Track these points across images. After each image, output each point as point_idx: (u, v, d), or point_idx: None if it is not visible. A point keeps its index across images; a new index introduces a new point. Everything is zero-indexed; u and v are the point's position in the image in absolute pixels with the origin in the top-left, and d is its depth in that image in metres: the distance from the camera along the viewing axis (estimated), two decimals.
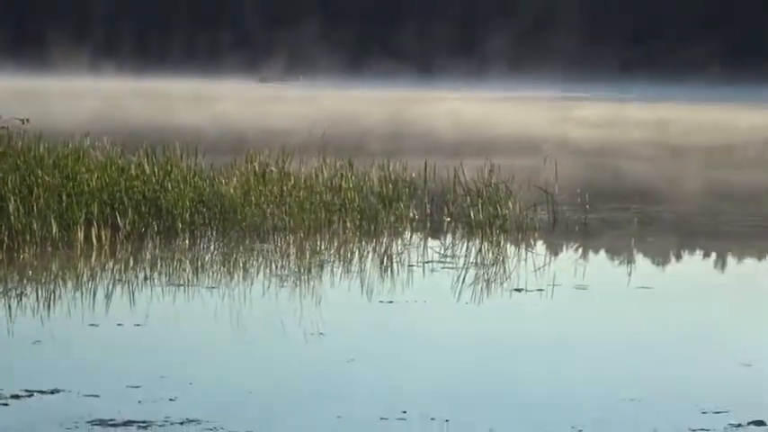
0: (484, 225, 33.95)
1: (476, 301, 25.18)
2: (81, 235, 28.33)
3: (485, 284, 26.68)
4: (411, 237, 32.33)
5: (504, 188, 36.61)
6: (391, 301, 24.95)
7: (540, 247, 32.60)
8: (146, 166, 33.29)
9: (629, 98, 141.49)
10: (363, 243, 31.04)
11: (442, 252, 30.35)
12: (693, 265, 33.90)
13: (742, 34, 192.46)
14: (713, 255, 34.33)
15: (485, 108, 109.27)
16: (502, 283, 26.95)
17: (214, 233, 30.68)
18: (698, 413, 15.82)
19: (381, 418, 15.34)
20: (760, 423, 15.20)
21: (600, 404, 17.00)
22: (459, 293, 25.76)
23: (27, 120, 34.31)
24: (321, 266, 27.98)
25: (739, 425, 15.23)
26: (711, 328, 24.35)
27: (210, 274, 27.11)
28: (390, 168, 38.34)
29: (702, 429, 15.01)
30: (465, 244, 31.57)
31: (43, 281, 25.25)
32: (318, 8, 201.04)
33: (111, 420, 14.39)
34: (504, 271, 28.67)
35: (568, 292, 27.11)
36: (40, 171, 30.65)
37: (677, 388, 17.91)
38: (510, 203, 35.83)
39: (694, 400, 16.64)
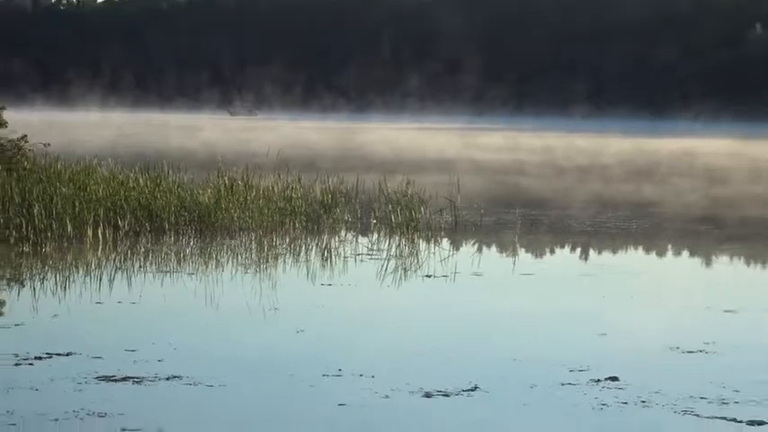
0: (402, 226, 34.04)
1: (396, 284, 25.65)
2: (90, 233, 28.46)
3: (402, 271, 27.13)
4: (345, 235, 32.43)
5: (417, 198, 36.71)
6: (330, 284, 25.20)
7: (445, 242, 32.59)
8: (140, 180, 33.36)
9: (522, 128, 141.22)
10: (308, 239, 31.16)
11: (370, 247, 30.78)
12: (565, 257, 34.23)
13: (609, 78, 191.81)
14: (580, 249, 34.86)
15: (408, 135, 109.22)
16: (415, 271, 27.33)
17: (193, 232, 30.68)
18: (566, 371, 16.40)
19: (323, 375, 15.93)
20: (614, 378, 15.91)
21: (490, 363, 17.41)
22: (383, 278, 26.21)
23: (48, 144, 34.17)
24: (276, 257, 28.34)
25: (598, 380, 15.93)
26: (577, 305, 24.60)
27: (190, 263, 27.14)
28: (330, 182, 38.61)
29: (569, 383, 15.69)
30: (387, 240, 31.73)
31: (60, 268, 25.37)
32: (276, 57, 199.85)
33: (113, 376, 15.03)
34: (417, 261, 29.04)
35: (467, 278, 27.32)
36: (58, 183, 30.69)
37: (550, 351, 18.32)
38: (422, 209, 35.89)
39: (563, 361, 17.00)
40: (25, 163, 32.78)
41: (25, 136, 33.52)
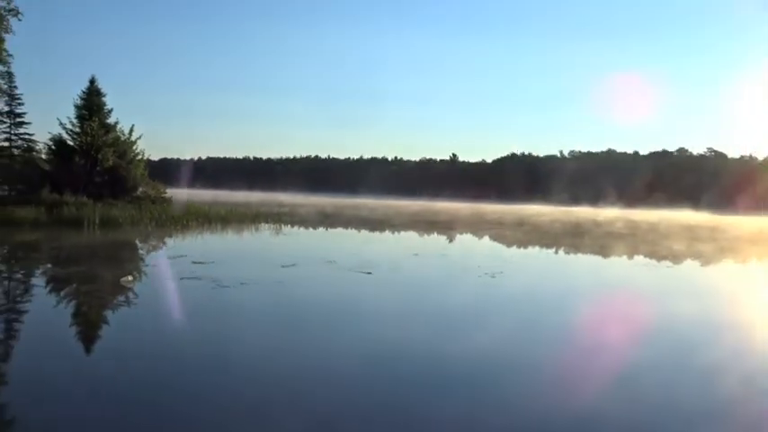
0: (277, 221, 32.06)
1: (271, 236, 24.18)
2: (191, 223, 27.41)
3: (275, 233, 25.62)
4: (261, 224, 30.00)
5: (287, 214, 35.92)
6: (254, 237, 23.95)
7: (290, 226, 30.06)
8: (207, 208, 31.65)
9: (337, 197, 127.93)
10: (251, 226, 28.88)
11: (267, 228, 28.51)
12: (332, 230, 30.71)
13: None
14: (341, 228, 32.38)
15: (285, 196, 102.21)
16: (281, 233, 25.78)
17: (219, 223, 29.00)
18: (320, 259, 15.74)
19: (250, 263, 15.46)
20: (333, 261, 15.17)
21: (300, 257, 16.31)
22: (270, 234, 24.72)
23: (171, 197, 32.49)
24: (242, 230, 26.49)
25: (329, 262, 15.13)
26: (328, 242, 24.16)
27: (219, 231, 25.42)
28: (259, 210, 36.43)
29: (323, 263, 14.83)
30: (272, 226, 29.33)
31: (183, 232, 24.12)
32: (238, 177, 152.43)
33: (198, 262, 14.44)
34: (282, 230, 27.30)
35: (294, 235, 25.76)
36: (187, 210, 29.51)
37: (319, 255, 16.96)
38: (284, 219, 34.76)
39: (321, 257, 16.26)
40: (170, 203, 31.24)
41: (171, 197, 32.37)
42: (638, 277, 16.34)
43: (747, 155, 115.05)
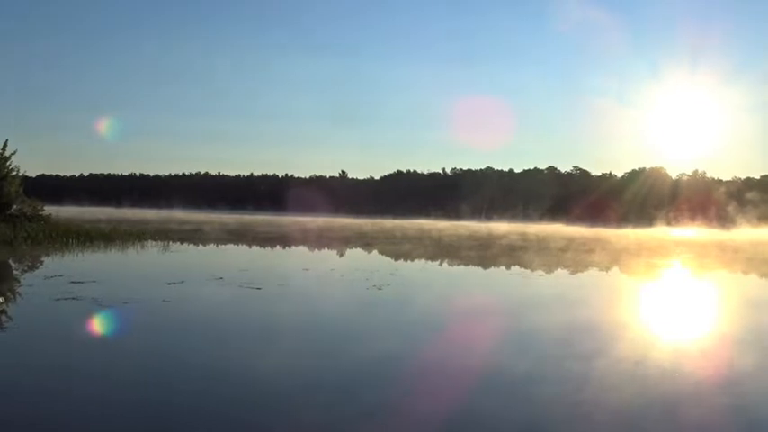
0: (163, 237, 31.41)
1: (170, 251, 23.53)
2: (70, 241, 25.97)
3: (167, 247, 24.96)
4: (148, 241, 28.83)
5: (180, 231, 34.48)
6: (139, 253, 22.89)
7: (192, 244, 29.42)
8: (88, 226, 30.51)
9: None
10: (135, 242, 27.76)
11: (154, 245, 27.71)
12: (195, 248, 28.97)
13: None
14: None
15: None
16: (177, 248, 25.29)
17: (102, 241, 27.41)
18: (215, 276, 15.43)
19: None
20: (221, 278, 14.54)
21: (200, 273, 16.31)
22: (161, 248, 23.85)
23: (50, 214, 30.72)
24: (126, 248, 25.09)
25: (219, 278, 14.71)
26: (226, 256, 23.86)
27: (102, 248, 23.79)
28: (147, 227, 35.57)
29: (215, 280, 14.54)
30: (163, 242, 28.57)
31: (59, 251, 22.86)
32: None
33: (77, 281, 13.79)
34: (178, 245, 26.85)
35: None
36: (60, 227, 28.15)
37: (212, 272, 16.58)
38: (171, 236, 34.26)
39: (215, 273, 16.01)
40: (48, 221, 29.64)
41: (50, 215, 30.58)
42: (557, 288, 16.75)
43: (608, 172, 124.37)
